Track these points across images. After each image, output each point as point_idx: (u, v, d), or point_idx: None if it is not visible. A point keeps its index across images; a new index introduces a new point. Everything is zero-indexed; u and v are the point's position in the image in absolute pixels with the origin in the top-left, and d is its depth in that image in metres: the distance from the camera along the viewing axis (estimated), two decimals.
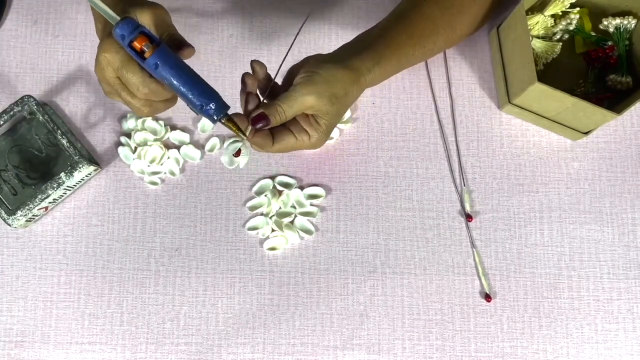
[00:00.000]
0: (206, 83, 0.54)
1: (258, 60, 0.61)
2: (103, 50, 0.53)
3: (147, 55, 0.52)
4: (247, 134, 0.58)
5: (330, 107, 0.59)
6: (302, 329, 0.71)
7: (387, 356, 0.70)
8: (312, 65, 0.60)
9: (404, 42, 0.65)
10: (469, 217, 0.73)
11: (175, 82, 0.52)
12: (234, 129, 0.57)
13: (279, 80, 0.64)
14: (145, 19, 0.55)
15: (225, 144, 0.74)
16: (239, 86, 0.76)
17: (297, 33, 0.65)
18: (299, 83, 0.58)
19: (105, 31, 0.56)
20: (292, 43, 0.65)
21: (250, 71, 0.62)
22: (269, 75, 0.62)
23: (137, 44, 0.51)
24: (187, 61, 0.58)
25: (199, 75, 0.54)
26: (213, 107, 0.54)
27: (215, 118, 0.54)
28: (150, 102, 0.56)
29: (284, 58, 0.62)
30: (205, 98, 0.53)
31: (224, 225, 0.73)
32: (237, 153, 0.64)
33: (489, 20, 0.74)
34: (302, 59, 0.74)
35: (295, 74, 0.61)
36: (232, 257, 0.72)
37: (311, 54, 0.63)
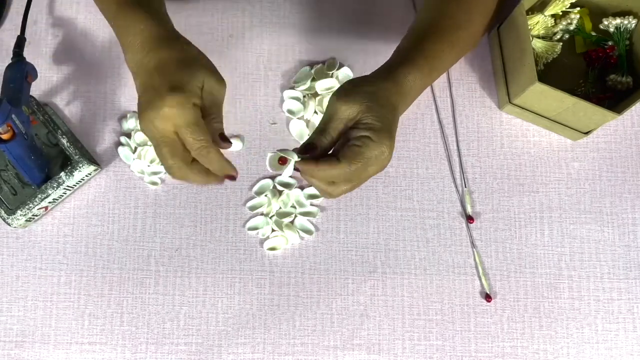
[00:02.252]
0: (39, 172, 0.68)
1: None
2: (169, 105, 0.51)
3: (2, 137, 0.60)
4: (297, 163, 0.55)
5: (371, 104, 0.54)
6: (302, 329, 0.71)
7: (387, 356, 0.70)
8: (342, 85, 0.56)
9: (432, 44, 0.62)
10: (470, 219, 0.73)
11: (14, 165, 0.66)
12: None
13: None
14: (209, 87, 0.54)
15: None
16: (238, 87, 0.76)
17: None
18: (329, 101, 0.55)
19: (168, 77, 0.53)
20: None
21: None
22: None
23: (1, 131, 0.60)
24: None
25: (38, 166, 0.67)
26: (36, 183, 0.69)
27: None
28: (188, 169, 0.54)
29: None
30: (35, 182, 0.68)
31: (224, 225, 0.73)
32: (284, 161, 0.58)
33: (499, 16, 0.73)
34: (300, 69, 0.74)
35: (340, 110, 0.55)
36: (232, 257, 0.72)
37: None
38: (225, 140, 0.55)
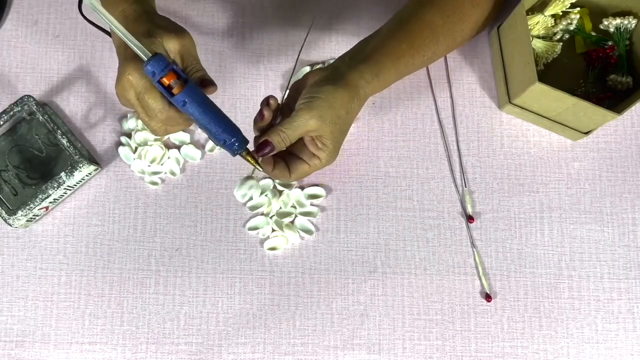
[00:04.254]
0: (228, 119, 0.57)
1: (272, 96, 0.61)
2: (128, 73, 0.54)
3: (175, 91, 0.54)
4: (259, 161, 0.60)
5: (334, 127, 0.60)
6: (303, 328, 0.71)
7: (387, 356, 0.70)
8: (313, 88, 0.60)
9: (404, 52, 0.65)
10: (470, 219, 0.73)
11: (201, 118, 0.55)
12: (252, 162, 0.59)
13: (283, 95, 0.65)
14: (171, 46, 0.57)
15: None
16: (238, 87, 0.76)
17: (302, 45, 0.65)
18: (301, 108, 0.59)
19: (129, 51, 0.56)
20: (298, 57, 0.65)
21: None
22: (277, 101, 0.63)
23: (166, 80, 0.53)
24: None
25: (221, 111, 0.56)
26: (236, 143, 0.57)
27: (236, 152, 0.58)
28: (166, 126, 0.58)
29: (290, 79, 0.63)
30: (228, 134, 0.57)
31: (224, 225, 0.73)
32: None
33: (489, 25, 0.74)
34: (301, 69, 0.75)
35: (299, 91, 0.62)
36: (232, 257, 0.72)
37: (311, 62, 0.63)
38: (207, 84, 0.57)
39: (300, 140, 0.62)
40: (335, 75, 0.62)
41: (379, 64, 0.63)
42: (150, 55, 0.53)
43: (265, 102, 0.61)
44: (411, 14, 0.67)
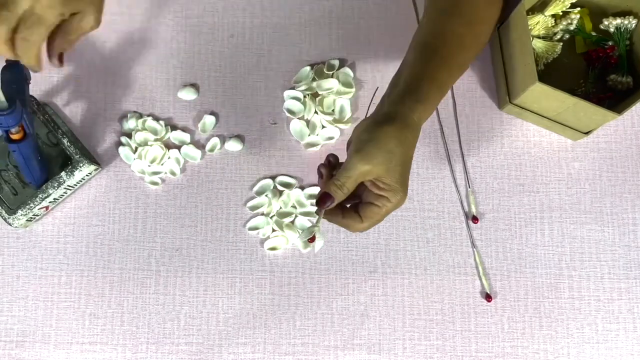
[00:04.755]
0: (42, 170, 0.67)
1: (333, 154, 0.61)
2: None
3: (13, 137, 0.61)
4: (320, 215, 0.59)
5: (388, 165, 0.57)
6: (303, 328, 0.71)
7: (387, 356, 0.70)
8: (358, 133, 0.59)
9: (438, 68, 0.63)
10: (474, 219, 0.73)
11: (20, 166, 0.66)
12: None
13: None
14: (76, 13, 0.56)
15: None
16: (238, 87, 0.76)
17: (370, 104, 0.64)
18: (349, 154, 0.59)
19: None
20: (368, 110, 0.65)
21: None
22: (337, 159, 0.62)
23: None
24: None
25: (39, 162, 0.66)
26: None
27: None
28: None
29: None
30: (35, 182, 0.68)
31: (225, 225, 0.73)
32: (312, 239, 0.61)
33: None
34: (301, 68, 0.75)
35: (360, 170, 0.60)
36: (232, 257, 0.72)
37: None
38: (60, 60, 0.59)
39: (365, 187, 0.60)
40: (375, 115, 0.60)
41: (417, 89, 0.61)
42: (7, 106, 0.57)
43: (326, 159, 0.61)
44: (433, 29, 0.64)
